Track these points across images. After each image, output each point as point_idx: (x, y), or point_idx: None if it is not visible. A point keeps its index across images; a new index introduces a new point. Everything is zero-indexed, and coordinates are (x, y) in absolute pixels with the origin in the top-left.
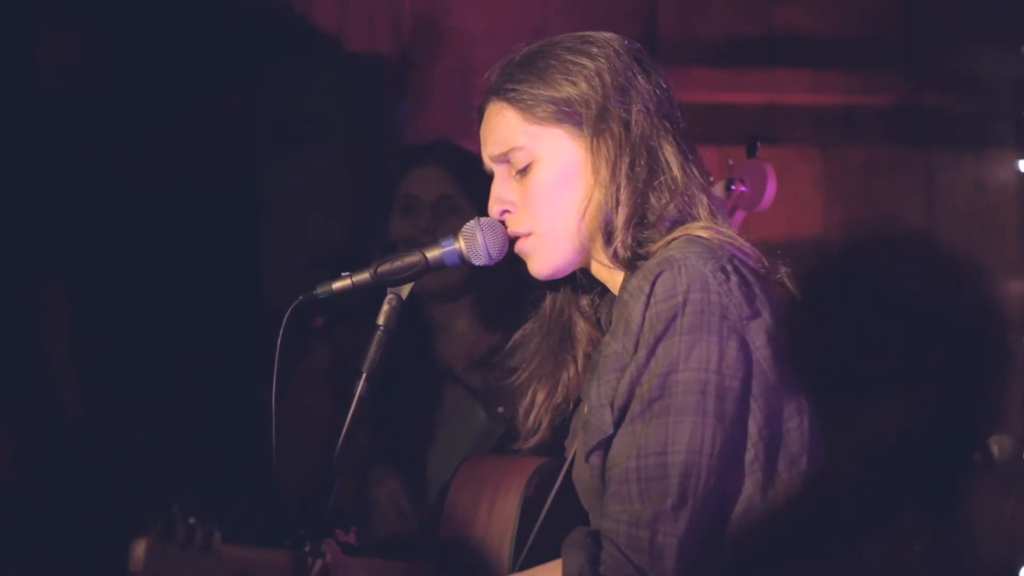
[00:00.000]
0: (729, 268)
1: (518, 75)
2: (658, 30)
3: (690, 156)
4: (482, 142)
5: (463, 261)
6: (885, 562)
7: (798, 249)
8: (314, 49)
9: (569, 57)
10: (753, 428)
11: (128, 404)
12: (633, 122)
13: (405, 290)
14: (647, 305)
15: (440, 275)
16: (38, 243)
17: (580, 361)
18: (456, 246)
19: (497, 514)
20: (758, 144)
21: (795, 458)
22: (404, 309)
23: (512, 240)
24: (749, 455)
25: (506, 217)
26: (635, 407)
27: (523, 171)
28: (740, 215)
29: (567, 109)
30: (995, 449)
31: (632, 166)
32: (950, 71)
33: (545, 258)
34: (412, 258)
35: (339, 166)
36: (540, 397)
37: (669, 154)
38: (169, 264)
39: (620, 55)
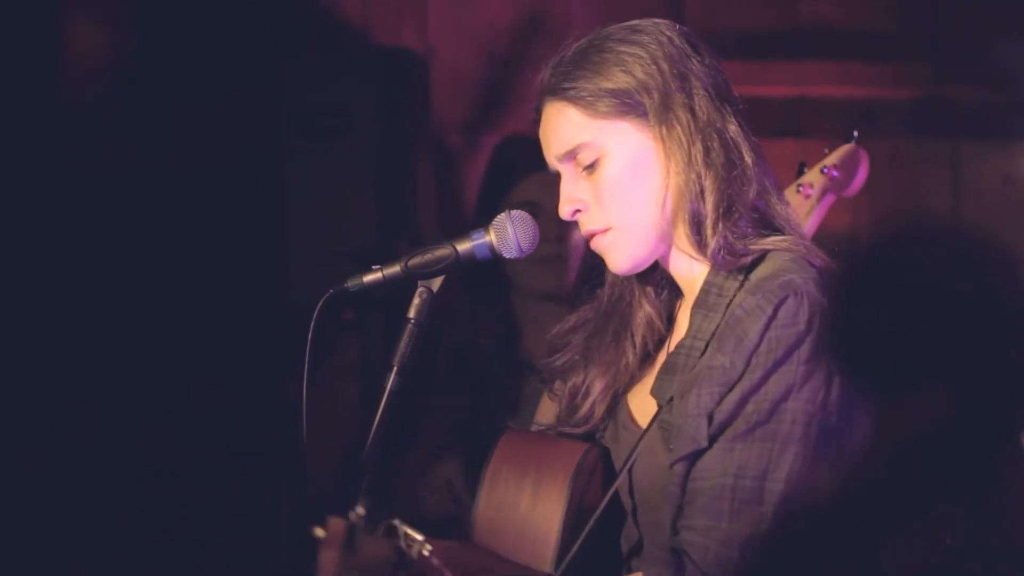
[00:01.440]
0: (836, 298)
1: (573, 72)
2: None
3: (753, 139)
4: (544, 144)
5: (494, 254)
6: (914, 556)
7: (826, 243)
8: (339, 41)
9: (622, 48)
10: (828, 463)
11: (146, 400)
12: (697, 107)
13: (436, 283)
14: (767, 327)
15: (545, 275)
16: (60, 235)
17: (638, 349)
18: (487, 239)
19: (542, 501)
20: (856, 133)
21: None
22: (435, 302)
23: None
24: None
25: (579, 216)
26: (739, 425)
27: (591, 167)
28: (830, 199)
29: (629, 100)
30: None
31: (707, 152)
32: (976, 63)
33: (625, 251)
34: (442, 251)
35: (364, 159)
36: (599, 384)
37: (738, 138)
38: (192, 257)
39: (673, 41)
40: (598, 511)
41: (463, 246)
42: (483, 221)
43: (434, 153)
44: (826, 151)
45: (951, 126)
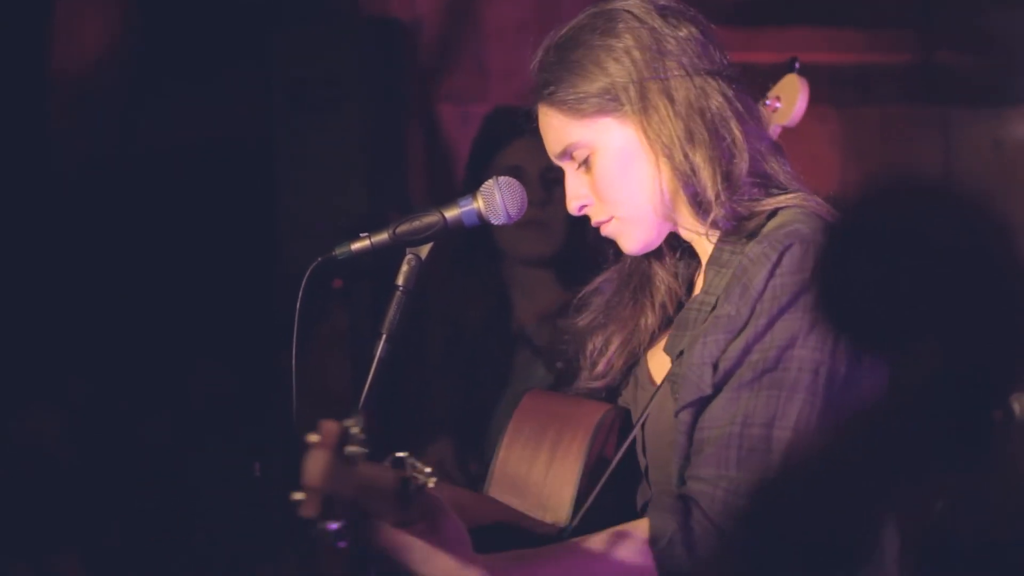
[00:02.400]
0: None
1: (554, 75)
2: None
3: (743, 104)
4: (545, 143)
5: (482, 220)
6: (906, 518)
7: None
8: (329, 14)
9: (596, 42)
10: (839, 415)
11: (140, 375)
12: (675, 90)
13: (424, 250)
14: (771, 274)
15: (540, 241)
16: (50, 213)
17: (657, 310)
18: (475, 205)
19: (560, 458)
20: (797, 64)
21: None
22: (423, 269)
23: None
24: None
25: (585, 211)
26: (745, 373)
27: (586, 164)
28: (776, 130)
29: (607, 96)
30: (1017, 408)
31: (690, 133)
32: (967, 29)
33: (632, 237)
34: (431, 218)
35: (355, 130)
36: (616, 341)
37: (723, 111)
38: (184, 232)
39: (643, 21)
40: (611, 466)
41: (451, 213)
42: (472, 189)
43: (424, 124)
44: (770, 85)
45: (941, 92)
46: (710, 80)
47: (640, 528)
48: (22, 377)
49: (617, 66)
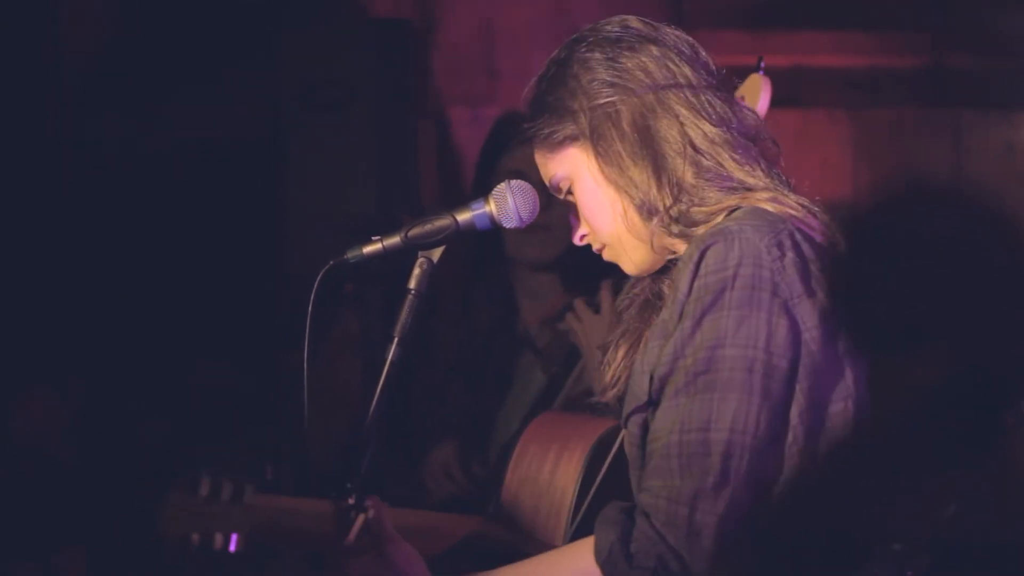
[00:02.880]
0: (787, 243)
1: (532, 112)
2: None
3: (705, 111)
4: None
5: (494, 224)
6: (916, 525)
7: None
8: (339, 14)
9: (564, 73)
10: (794, 411)
11: (148, 375)
12: (620, 113)
13: (436, 254)
14: (695, 275)
15: (543, 244)
16: (62, 210)
17: None
18: (487, 209)
19: (560, 474)
20: (762, 64)
21: (838, 440)
22: (436, 272)
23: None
24: (788, 438)
25: (586, 240)
26: (679, 379)
27: (570, 194)
28: None
29: (569, 130)
30: None
31: (633, 151)
32: (977, 31)
33: (626, 261)
34: (442, 221)
35: (365, 132)
36: (621, 352)
37: (672, 125)
38: (194, 231)
39: (603, 46)
40: (597, 481)
41: (463, 216)
42: (481, 192)
43: (435, 126)
44: (738, 84)
45: (952, 95)
46: (669, 93)
47: (589, 543)
48: (25, 374)
49: (572, 99)
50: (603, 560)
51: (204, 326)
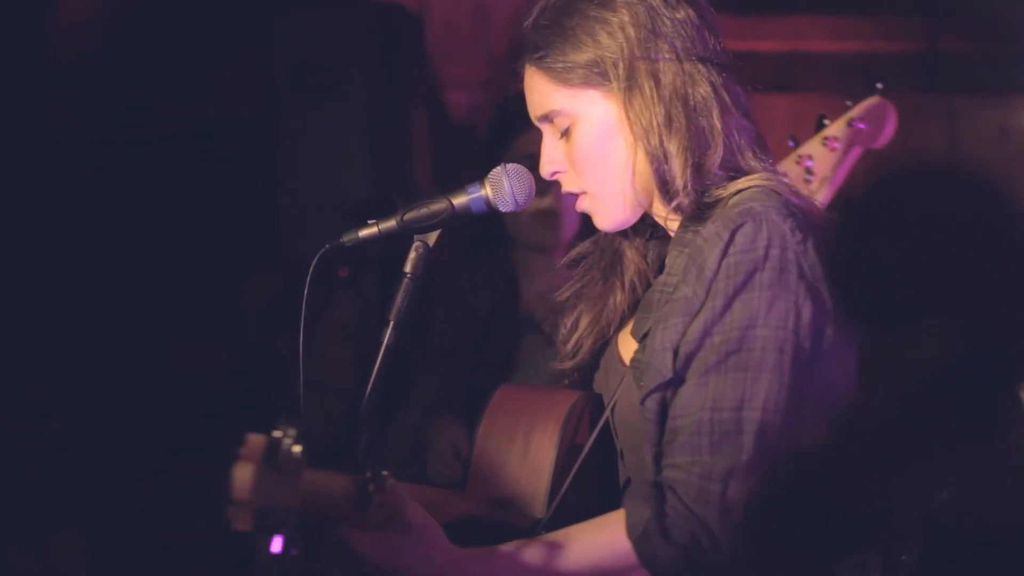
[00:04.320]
0: (805, 225)
1: (546, 39)
2: None
3: (729, 95)
4: (527, 103)
5: (490, 208)
6: (911, 509)
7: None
8: None
9: (592, 13)
10: (811, 393)
11: (143, 360)
12: (662, 73)
13: (432, 237)
14: (724, 253)
15: (543, 228)
16: (55, 195)
17: (626, 289)
18: (483, 192)
19: (534, 448)
20: (879, 85)
21: (830, 411)
22: (431, 256)
23: (533, 180)
24: (805, 419)
25: (558, 177)
26: (709, 358)
27: (566, 133)
28: (858, 151)
29: (596, 70)
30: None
31: (669, 119)
32: (971, 16)
33: (604, 214)
34: (438, 205)
35: (360, 116)
36: (585, 320)
37: (707, 100)
38: (188, 216)
39: (643, 0)
40: (583, 453)
41: (459, 200)
42: (478, 176)
43: (429, 109)
44: (848, 104)
45: (946, 80)
46: (700, 66)
47: (617, 518)
48: (24, 362)
49: (609, 40)
50: (637, 536)
51: (196, 311)
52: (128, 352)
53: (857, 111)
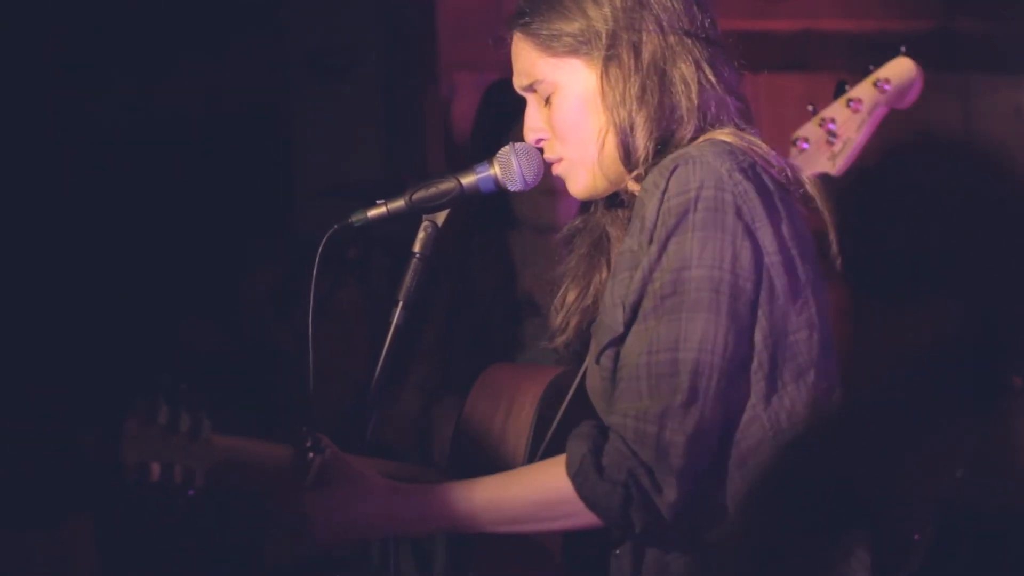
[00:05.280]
0: (749, 172)
1: (533, 5)
2: None
3: (713, 71)
4: (513, 70)
5: (498, 187)
6: (923, 485)
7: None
8: None
9: None
10: (758, 335)
11: (153, 341)
12: (643, 45)
13: (440, 217)
14: (661, 201)
15: (549, 209)
16: (66, 179)
17: (611, 265)
18: (491, 172)
19: (513, 421)
20: (903, 48)
21: (802, 371)
22: (440, 236)
23: (549, 164)
24: (753, 363)
25: (542, 144)
26: (647, 304)
27: (548, 101)
28: (882, 111)
29: (580, 39)
30: None
31: (643, 91)
32: None
33: (578, 182)
34: (447, 184)
35: (370, 97)
36: (571, 296)
37: (686, 75)
38: (201, 198)
39: None
40: (554, 423)
41: (467, 179)
42: (487, 155)
43: (440, 91)
44: (871, 67)
45: (961, 58)
46: (685, 40)
47: (559, 460)
48: (34, 349)
49: (596, 10)
50: (574, 472)
51: (209, 293)
52: (139, 336)
53: (883, 72)
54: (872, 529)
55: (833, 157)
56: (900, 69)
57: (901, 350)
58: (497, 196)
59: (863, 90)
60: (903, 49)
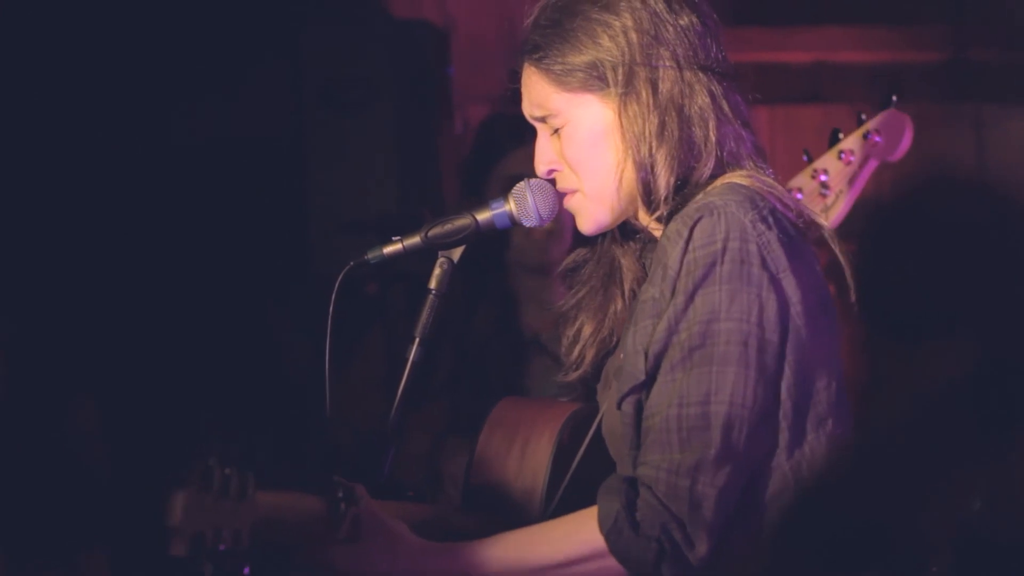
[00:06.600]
0: (770, 219)
1: (545, 38)
2: None
3: (729, 105)
4: (523, 99)
5: (513, 223)
6: (942, 520)
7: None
8: (360, 14)
9: (595, 15)
10: (784, 385)
11: (168, 373)
12: (661, 81)
13: (456, 253)
14: (685, 251)
15: (540, 249)
16: (85, 211)
17: (627, 297)
18: (507, 208)
19: (529, 459)
20: (895, 98)
21: (822, 420)
22: (456, 273)
23: (561, 195)
24: (779, 414)
25: (554, 175)
26: (674, 355)
27: (558, 132)
28: (873, 164)
29: (595, 74)
30: None
31: (662, 127)
32: (999, 25)
33: (589, 216)
34: (462, 220)
35: (386, 131)
36: (587, 330)
37: (704, 110)
38: (217, 231)
39: (646, 2)
40: (574, 464)
41: (483, 215)
42: (463, 196)
43: (455, 125)
44: (863, 117)
45: (974, 89)
46: (700, 75)
47: (591, 513)
48: (51, 378)
49: (611, 44)
50: (608, 529)
51: (225, 326)
52: (156, 371)
53: (873, 123)
54: (890, 565)
55: (826, 210)
56: (890, 121)
57: (916, 386)
58: (491, 239)
59: (854, 142)
60: (895, 99)
